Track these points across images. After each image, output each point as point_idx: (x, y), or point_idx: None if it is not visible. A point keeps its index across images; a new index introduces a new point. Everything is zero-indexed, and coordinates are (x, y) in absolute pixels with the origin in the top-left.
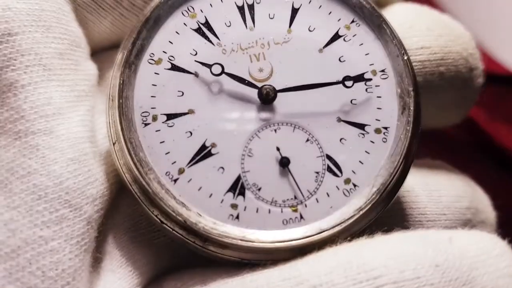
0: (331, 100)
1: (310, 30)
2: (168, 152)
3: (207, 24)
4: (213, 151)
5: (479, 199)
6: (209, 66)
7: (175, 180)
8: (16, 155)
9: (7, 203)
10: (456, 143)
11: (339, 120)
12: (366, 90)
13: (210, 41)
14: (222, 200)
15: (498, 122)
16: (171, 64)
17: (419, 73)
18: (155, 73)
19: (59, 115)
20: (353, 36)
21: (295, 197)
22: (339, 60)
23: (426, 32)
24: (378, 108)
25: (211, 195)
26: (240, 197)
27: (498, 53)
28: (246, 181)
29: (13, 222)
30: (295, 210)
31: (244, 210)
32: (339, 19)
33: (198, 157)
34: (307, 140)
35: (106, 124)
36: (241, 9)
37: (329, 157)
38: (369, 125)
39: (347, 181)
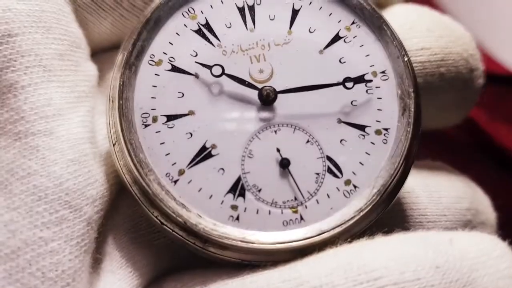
0: (332, 102)
1: (310, 32)
2: (168, 153)
3: (207, 25)
4: (213, 152)
5: (479, 200)
6: (209, 67)
7: (175, 181)
8: (16, 156)
9: (7, 204)
10: (456, 143)
11: (340, 121)
12: (367, 91)
13: (211, 42)
14: (222, 201)
15: (498, 122)
16: (172, 65)
17: (419, 74)
18: (155, 74)
19: (59, 116)
20: (354, 37)
21: (295, 198)
22: (340, 61)
23: (427, 33)
24: (378, 110)
25: (211, 196)
26: (240, 198)
27: (498, 53)
28: (246, 182)
29: (13, 223)
30: (295, 211)
31: (244, 211)
32: (340, 21)
33: (198, 158)
34: (308, 141)
35: (106, 125)
36: (241, 10)
37: (329, 158)
38: (370, 126)
39: (348, 182)
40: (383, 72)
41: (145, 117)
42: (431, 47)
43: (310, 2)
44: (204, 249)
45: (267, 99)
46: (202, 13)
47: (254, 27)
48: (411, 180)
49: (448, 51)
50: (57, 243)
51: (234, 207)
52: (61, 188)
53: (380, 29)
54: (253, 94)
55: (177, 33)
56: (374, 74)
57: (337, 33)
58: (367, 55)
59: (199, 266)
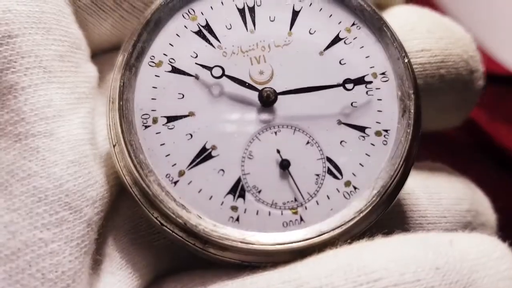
0: (332, 103)
1: (310, 33)
2: (168, 155)
3: (207, 27)
4: (213, 153)
5: (479, 202)
6: (209, 68)
7: (175, 182)
8: (16, 157)
9: (7, 205)
10: (456, 144)
11: (340, 122)
12: (367, 92)
13: (211, 44)
14: (222, 203)
15: (498, 122)
16: (172, 66)
17: (419, 76)
18: (156, 75)
19: (59, 117)
20: (354, 39)
21: (295, 200)
22: (340, 63)
23: (427, 35)
24: (378, 111)
25: (211, 197)
26: (240, 200)
27: (498, 53)
28: (246, 183)
29: (13, 224)
30: (295, 213)
31: (244, 212)
32: (340, 22)
33: (199, 159)
34: (308, 142)
35: (107, 126)
36: (241, 11)
37: (329, 160)
38: (370, 127)
39: (348, 183)
40: (383, 73)
41: (145, 118)
42: (431, 48)
43: (311, 4)
44: (204, 250)
45: (267, 100)
46: (202, 14)
47: (254, 29)
48: (411, 182)
49: (448, 53)
50: (57, 244)
51: (234, 208)
52: (61, 189)
53: (381, 30)
54: (253, 96)
55: (177, 35)
56: (374, 75)
57: (337, 35)
58: (367, 57)
59: (199, 267)
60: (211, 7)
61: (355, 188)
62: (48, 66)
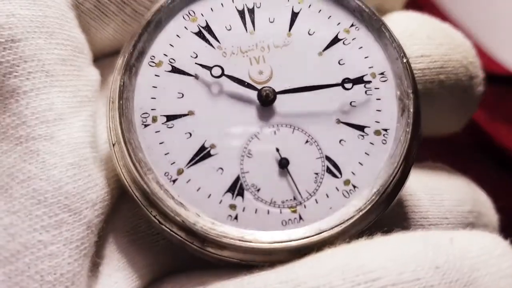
0: (331, 102)
1: (309, 34)
2: (168, 153)
3: (207, 28)
4: (212, 152)
5: (481, 202)
6: (209, 68)
7: (174, 181)
8: (17, 160)
9: (7, 208)
10: (456, 144)
11: (339, 121)
12: (366, 92)
13: (211, 44)
14: (221, 201)
15: (498, 122)
16: (172, 66)
17: (419, 81)
18: (156, 75)
19: (60, 121)
20: (353, 39)
21: (294, 198)
22: (339, 63)
23: (426, 41)
24: (377, 110)
25: (209, 195)
26: (239, 198)
27: (498, 53)
28: (245, 181)
29: (12, 226)
30: (294, 211)
31: (243, 210)
32: (339, 23)
33: (197, 158)
34: (307, 141)
35: (106, 126)
36: (241, 13)
37: (328, 158)
38: (369, 127)
39: (347, 182)
40: (382, 73)
41: (145, 117)
42: (431, 54)
43: (310, 5)
44: (202, 249)
45: (266, 99)
46: (203, 15)
47: (254, 30)
48: (412, 183)
49: (448, 59)
50: (56, 246)
51: (233, 207)
52: (60, 191)
53: (379, 31)
54: (253, 95)
55: (177, 35)
56: (373, 75)
57: (336, 35)
58: (366, 57)
59: (198, 268)
60: (211, 8)
61: (354, 187)
62: (51, 70)
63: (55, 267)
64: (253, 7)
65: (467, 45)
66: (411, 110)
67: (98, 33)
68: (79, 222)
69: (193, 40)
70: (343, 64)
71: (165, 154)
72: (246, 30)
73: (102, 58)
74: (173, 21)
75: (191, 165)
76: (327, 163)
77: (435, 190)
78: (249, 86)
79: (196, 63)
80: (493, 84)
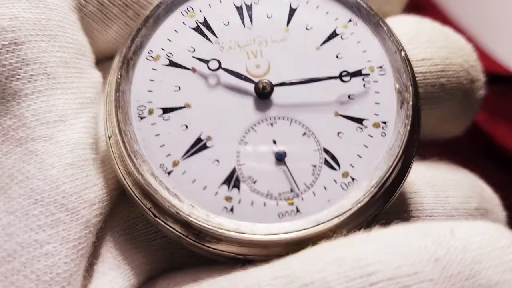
0: (329, 95)
1: (307, 29)
2: (163, 145)
3: (205, 23)
4: (208, 144)
5: (488, 200)
6: (206, 61)
7: (169, 173)
8: (17, 161)
9: (5, 208)
10: (455, 144)
11: (337, 114)
12: (364, 85)
13: (208, 39)
14: (217, 193)
15: (498, 122)
16: (169, 60)
17: (420, 85)
18: (153, 69)
19: (61, 122)
20: (351, 34)
21: (292, 190)
22: (337, 56)
23: (427, 44)
24: (376, 103)
25: (205, 187)
26: (235, 190)
27: (498, 53)
28: (241, 173)
29: (10, 226)
30: (291, 203)
31: (239, 202)
32: (336, 18)
33: (193, 150)
34: (304, 133)
35: (103, 120)
36: (239, 9)
37: (326, 151)
38: (367, 119)
39: (345, 174)
40: (380, 67)
41: (141, 110)
42: (432, 57)
43: (307, 1)
44: (197, 243)
45: (263, 92)
46: (201, 11)
47: (252, 25)
48: (417, 180)
49: (449, 62)
50: (53, 245)
51: (229, 199)
52: (57, 191)
53: (377, 25)
54: (250, 88)
55: (175, 30)
56: (372, 69)
57: (334, 30)
58: (364, 51)
59: (194, 265)
60: (209, 4)
61: (353, 179)
62: (53, 73)
63: (51, 266)
64: (251, 3)
65: (468, 48)
66: (410, 102)
67: (101, 35)
68: (76, 221)
69: (191, 35)
70: (341, 58)
71: (161, 146)
72: (244, 25)
73: (105, 60)
74: (172, 16)
75: (186, 157)
76: (325, 155)
77: (440, 187)
78: (246, 79)
79: (193, 57)
80: (493, 84)
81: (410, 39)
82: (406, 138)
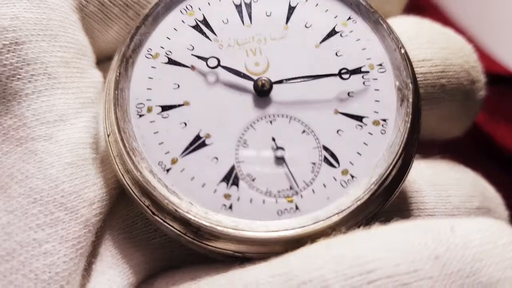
0: (328, 92)
1: (306, 27)
2: (162, 143)
3: (204, 21)
4: (207, 141)
5: (490, 199)
6: (205, 59)
7: (168, 170)
8: (17, 161)
9: (5, 207)
10: (456, 144)
11: (336, 112)
12: (364, 83)
13: (207, 37)
14: (215, 190)
15: (498, 122)
16: (168, 58)
17: (420, 85)
18: (152, 67)
19: (61, 122)
20: (350, 32)
21: (291, 188)
22: (336, 54)
23: (427, 45)
24: (376, 101)
25: (204, 184)
26: (234, 187)
27: (498, 54)
28: (240, 171)
29: (9, 225)
30: (291, 201)
31: (238, 200)
32: (336, 16)
33: (192, 147)
34: (303, 131)
35: (102, 118)
36: (238, 7)
37: (325, 148)
38: (367, 117)
39: (345, 172)
40: (380, 65)
41: (140, 107)
42: (432, 58)
43: None
44: (196, 240)
45: (262, 89)
46: (200, 10)
47: (251, 23)
48: (418, 178)
49: (449, 63)
50: (51, 244)
51: (227, 196)
52: (56, 190)
53: (376, 23)
54: (249, 85)
55: (174, 29)
56: (371, 67)
57: (333, 28)
58: (363, 49)
59: (193, 264)
60: (209, 3)
61: (352, 176)
62: (53, 73)
63: (50, 265)
64: (250, 1)
65: (469, 49)
66: (411, 100)
67: (101, 35)
68: (75, 220)
69: (190, 33)
70: (341, 55)
71: (160, 144)
72: (243, 23)
73: (105, 60)
74: (171, 14)
75: (185, 155)
76: (324, 153)
77: (441, 186)
78: (245, 77)
79: (192, 55)
80: (493, 84)
81: (410, 40)
82: (406, 135)
